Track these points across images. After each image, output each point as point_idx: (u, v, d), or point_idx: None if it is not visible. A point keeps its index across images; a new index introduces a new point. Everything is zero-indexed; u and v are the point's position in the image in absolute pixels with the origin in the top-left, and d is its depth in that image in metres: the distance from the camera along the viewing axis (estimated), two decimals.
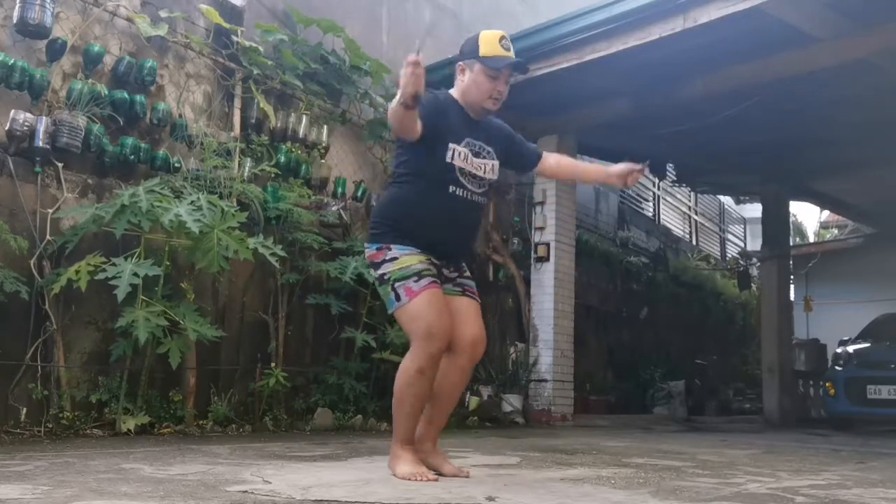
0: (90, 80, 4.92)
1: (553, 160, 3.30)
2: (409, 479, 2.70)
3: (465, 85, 2.97)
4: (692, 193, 13.97)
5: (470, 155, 2.92)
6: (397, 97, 2.56)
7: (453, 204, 2.89)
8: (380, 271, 2.87)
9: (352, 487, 2.54)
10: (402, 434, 2.84)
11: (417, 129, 2.75)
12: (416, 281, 2.78)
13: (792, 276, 11.46)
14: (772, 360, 9.82)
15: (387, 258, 2.84)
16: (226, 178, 5.40)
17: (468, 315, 2.92)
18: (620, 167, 3.07)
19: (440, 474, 2.85)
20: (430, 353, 2.76)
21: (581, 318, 8.37)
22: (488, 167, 2.99)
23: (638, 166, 3.03)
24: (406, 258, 2.82)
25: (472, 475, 2.96)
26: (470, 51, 2.97)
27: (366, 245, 2.99)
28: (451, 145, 2.86)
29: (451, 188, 2.88)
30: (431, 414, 2.95)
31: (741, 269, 14.06)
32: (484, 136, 3.03)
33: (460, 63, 3.00)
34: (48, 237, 4.60)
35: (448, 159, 2.86)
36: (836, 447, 5.40)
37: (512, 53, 2.98)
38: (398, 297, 2.79)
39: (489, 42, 2.94)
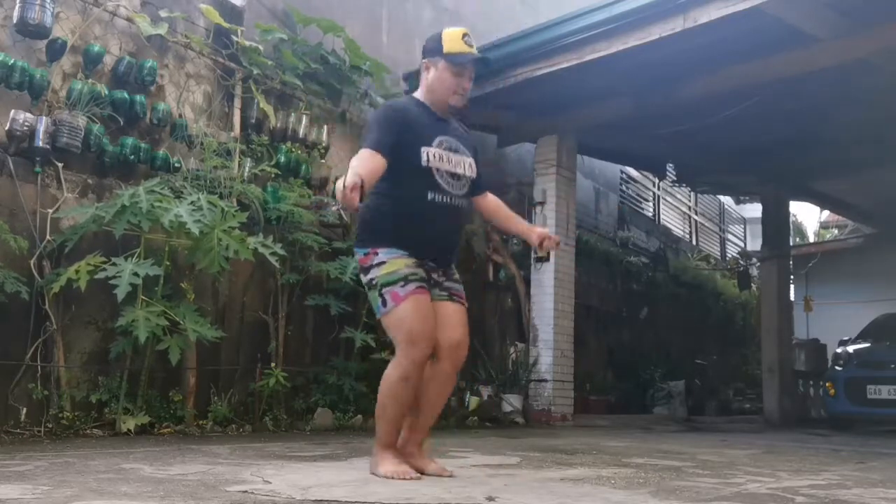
0: (90, 80, 4.92)
1: (494, 202, 3.26)
2: (391, 478, 2.71)
3: (430, 82, 2.98)
4: (692, 193, 13.96)
5: (445, 153, 2.90)
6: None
7: (434, 211, 2.87)
8: (368, 276, 2.86)
9: (352, 487, 2.54)
10: (384, 439, 2.84)
11: (379, 168, 2.76)
12: (402, 286, 2.77)
13: (792, 276, 11.46)
14: (772, 360, 9.82)
15: (374, 263, 2.83)
16: (226, 178, 5.40)
17: (452, 319, 2.90)
18: (543, 230, 3.22)
19: (424, 473, 2.85)
20: (413, 359, 2.76)
21: (581, 318, 8.37)
22: (466, 164, 2.98)
23: (556, 237, 3.19)
24: (393, 262, 2.81)
25: (472, 475, 2.96)
26: (433, 48, 2.97)
27: (355, 250, 2.98)
28: (423, 150, 2.85)
29: (430, 195, 2.86)
30: (415, 419, 2.94)
31: (741, 269, 14.06)
32: (456, 135, 3.02)
33: (425, 60, 3.00)
34: (48, 237, 4.60)
35: (424, 163, 2.84)
36: (836, 447, 5.39)
37: (474, 49, 2.99)
38: (384, 303, 2.79)
39: (452, 39, 2.95)
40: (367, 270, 2.87)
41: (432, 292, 2.89)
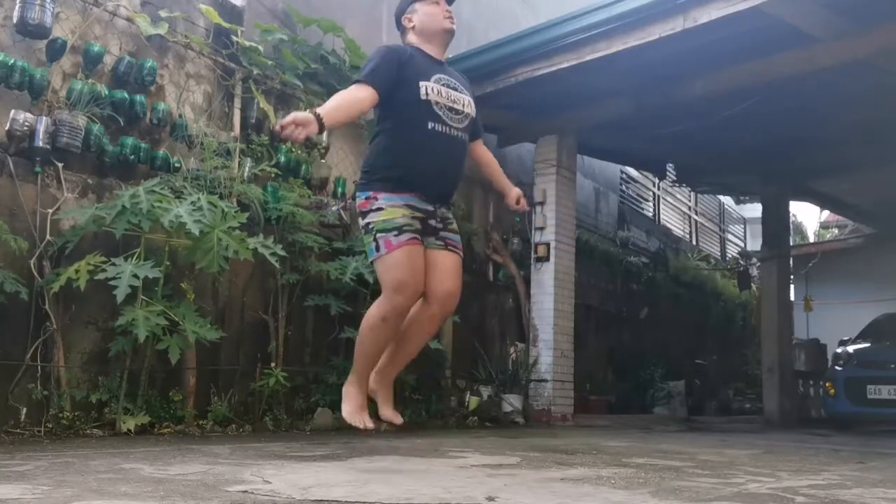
0: (90, 80, 4.92)
1: (487, 154, 3.49)
2: (348, 420, 2.95)
3: (419, 24, 3.13)
4: (692, 193, 13.97)
5: (444, 89, 3.05)
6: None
7: (435, 140, 2.99)
8: (366, 220, 3.00)
9: (352, 487, 2.54)
10: (358, 372, 3.04)
11: (364, 106, 2.92)
12: (396, 235, 2.90)
13: (792, 276, 11.47)
14: (772, 360, 9.82)
15: (373, 208, 2.97)
16: (226, 178, 5.40)
17: (446, 269, 3.04)
18: (519, 191, 3.52)
19: (378, 416, 3.08)
20: (394, 305, 2.91)
21: (581, 318, 8.37)
22: (465, 101, 3.13)
23: (524, 202, 3.49)
24: (391, 210, 2.94)
25: (472, 475, 2.96)
26: (404, 4, 3.20)
27: (356, 193, 3.11)
28: (421, 83, 2.98)
29: (431, 124, 2.98)
30: (394, 354, 3.11)
31: (741, 269, 14.07)
32: (453, 76, 3.16)
33: (404, 17, 3.18)
34: (48, 237, 4.60)
35: (423, 96, 2.98)
36: (836, 447, 5.39)
37: None
38: (378, 248, 2.93)
39: None
40: (365, 214, 3.00)
41: (427, 241, 3.01)
